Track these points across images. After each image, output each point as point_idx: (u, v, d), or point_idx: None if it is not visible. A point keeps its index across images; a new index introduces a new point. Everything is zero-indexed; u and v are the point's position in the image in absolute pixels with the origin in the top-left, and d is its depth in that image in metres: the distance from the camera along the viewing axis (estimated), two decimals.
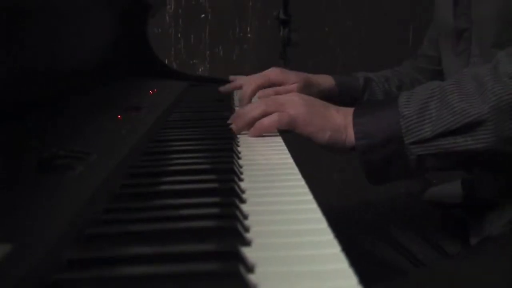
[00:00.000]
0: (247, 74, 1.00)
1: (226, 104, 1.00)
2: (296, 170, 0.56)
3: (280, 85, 0.94)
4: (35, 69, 0.71)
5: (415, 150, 0.65)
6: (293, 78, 0.95)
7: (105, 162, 0.51)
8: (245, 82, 0.96)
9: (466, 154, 0.64)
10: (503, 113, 0.62)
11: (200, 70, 2.01)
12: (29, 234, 0.34)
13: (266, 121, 0.71)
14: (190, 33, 2.00)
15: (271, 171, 0.56)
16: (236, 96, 1.06)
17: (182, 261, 0.33)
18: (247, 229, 0.39)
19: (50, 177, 0.45)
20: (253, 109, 0.73)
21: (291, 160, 0.60)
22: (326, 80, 1.00)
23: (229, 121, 0.75)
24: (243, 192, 0.48)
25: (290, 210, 0.43)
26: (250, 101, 0.94)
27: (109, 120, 0.73)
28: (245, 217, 0.42)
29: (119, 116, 0.75)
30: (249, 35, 2.01)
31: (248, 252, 0.34)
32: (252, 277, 0.32)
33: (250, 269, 0.33)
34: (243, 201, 0.46)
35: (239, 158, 0.61)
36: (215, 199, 0.45)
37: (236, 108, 0.92)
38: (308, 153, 0.94)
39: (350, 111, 0.71)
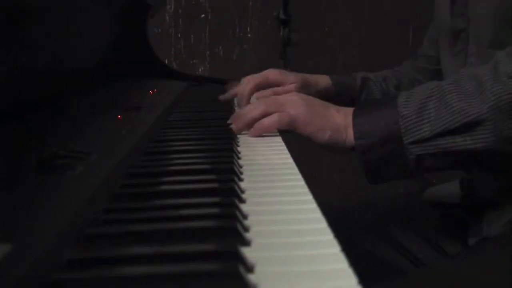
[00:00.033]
0: (247, 74, 0.99)
1: (226, 104, 1.00)
2: (296, 170, 0.56)
3: (278, 85, 0.95)
4: (35, 69, 0.71)
5: (414, 150, 0.65)
6: (291, 78, 0.96)
7: (105, 162, 0.51)
8: (243, 82, 0.96)
9: (465, 153, 0.64)
10: (502, 113, 0.62)
11: (200, 70, 2.01)
12: (29, 234, 0.34)
13: (266, 121, 0.72)
14: (190, 33, 2.00)
15: (271, 171, 0.56)
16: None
17: (182, 261, 0.33)
18: (246, 229, 0.39)
19: (50, 177, 0.45)
20: (253, 109, 0.73)
21: (291, 160, 0.60)
22: (323, 80, 1.01)
23: (229, 121, 0.75)
24: (243, 192, 0.48)
25: (290, 210, 0.43)
26: (248, 99, 0.94)
27: (109, 120, 0.73)
28: (245, 217, 0.42)
29: (119, 116, 0.75)
30: (249, 35, 2.01)
31: (247, 252, 0.34)
32: (252, 277, 0.32)
33: (250, 269, 0.33)
34: (243, 201, 0.46)
35: (239, 158, 0.61)
36: (215, 199, 0.45)
37: (236, 108, 0.92)
38: (308, 153, 0.94)
39: (350, 111, 0.71)
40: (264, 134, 0.72)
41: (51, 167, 0.47)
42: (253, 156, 0.62)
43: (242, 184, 0.50)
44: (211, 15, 1.99)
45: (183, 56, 2.00)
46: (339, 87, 1.01)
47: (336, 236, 0.37)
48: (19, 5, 0.63)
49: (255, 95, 0.94)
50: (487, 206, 0.80)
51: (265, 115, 0.72)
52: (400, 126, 0.66)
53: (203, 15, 1.99)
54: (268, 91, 0.93)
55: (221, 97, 1.01)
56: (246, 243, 0.37)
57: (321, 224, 0.40)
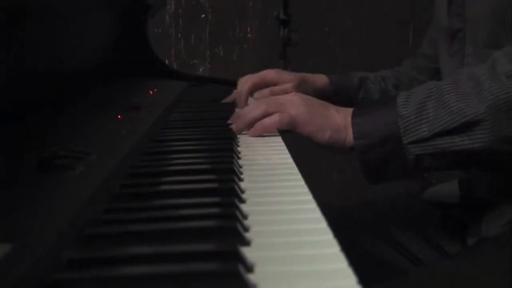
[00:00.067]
0: (247, 74, 1.00)
1: (226, 104, 1.00)
2: (296, 170, 0.56)
3: (275, 85, 0.95)
4: (35, 69, 0.71)
5: (413, 150, 0.65)
6: (288, 77, 0.96)
7: (105, 162, 0.51)
8: (241, 82, 0.97)
9: (463, 153, 0.64)
10: (500, 112, 0.62)
11: (200, 70, 2.01)
12: (29, 234, 0.34)
13: (267, 121, 0.72)
14: (190, 33, 2.00)
15: (271, 171, 0.56)
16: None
17: (181, 261, 0.34)
18: (246, 229, 0.39)
19: (50, 177, 0.46)
20: (254, 109, 0.74)
21: (291, 160, 0.60)
22: (321, 79, 1.01)
23: (229, 121, 0.75)
24: (243, 192, 0.48)
25: (289, 210, 0.43)
26: (246, 99, 0.94)
27: (109, 120, 0.73)
28: (245, 217, 0.42)
29: (119, 116, 0.75)
30: (249, 35, 2.01)
31: (247, 252, 0.35)
32: (252, 277, 0.32)
33: (250, 269, 0.33)
34: (243, 201, 0.46)
35: (239, 158, 0.61)
36: (215, 199, 0.45)
37: (236, 109, 0.92)
38: (308, 153, 0.94)
39: (349, 111, 0.71)
40: (264, 134, 0.72)
41: (51, 167, 0.47)
42: (253, 156, 0.62)
43: (242, 184, 0.50)
44: (211, 15, 1.99)
45: (183, 56, 2.00)
46: (337, 85, 1.01)
47: (336, 236, 0.37)
48: (19, 5, 0.63)
49: (254, 95, 0.94)
50: (486, 206, 0.80)
51: (265, 115, 0.72)
52: (399, 126, 0.66)
53: (203, 15, 1.99)
54: (266, 91, 0.93)
55: (223, 101, 1.02)
56: (246, 243, 0.37)
57: (321, 224, 0.40)
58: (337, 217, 0.90)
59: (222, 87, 1.14)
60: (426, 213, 0.95)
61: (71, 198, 0.42)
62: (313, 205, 0.44)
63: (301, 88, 0.94)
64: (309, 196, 0.47)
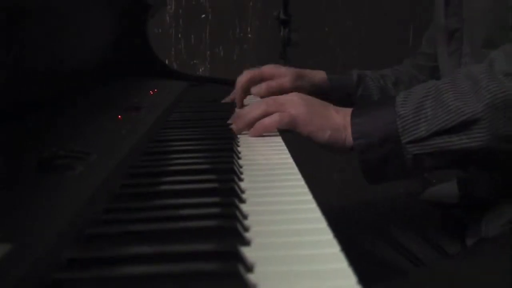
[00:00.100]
0: None
1: (226, 104, 1.00)
2: (296, 170, 0.56)
3: (272, 79, 0.95)
4: (35, 69, 0.71)
5: (411, 149, 0.66)
6: (285, 71, 0.96)
7: (105, 162, 0.51)
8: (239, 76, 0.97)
9: (461, 152, 0.64)
10: (497, 111, 0.62)
11: (200, 70, 2.01)
12: (29, 234, 0.34)
13: (267, 121, 0.72)
14: (191, 33, 2.00)
15: (271, 171, 0.56)
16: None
17: (181, 261, 0.34)
18: (246, 229, 0.39)
19: (50, 177, 0.46)
20: (254, 109, 0.74)
21: (291, 160, 0.60)
22: (319, 75, 1.01)
23: (229, 121, 0.75)
24: (243, 192, 0.48)
25: (289, 210, 0.43)
26: (241, 91, 0.94)
27: (109, 120, 0.73)
28: (245, 217, 0.42)
29: (119, 116, 0.75)
30: (249, 35, 2.01)
31: (247, 252, 0.35)
32: (252, 277, 0.32)
33: (250, 268, 0.33)
34: (243, 201, 0.46)
35: (239, 158, 0.61)
36: (215, 199, 0.45)
37: (236, 109, 0.92)
38: (308, 153, 0.94)
39: (349, 111, 0.71)
40: (264, 134, 0.72)
41: (51, 167, 0.47)
42: (253, 156, 0.62)
43: (242, 184, 0.50)
44: (212, 15, 1.99)
45: (183, 56, 2.00)
46: (335, 82, 1.01)
47: (336, 236, 0.37)
48: (19, 5, 0.63)
49: (251, 89, 0.94)
50: (485, 206, 0.80)
51: (265, 115, 0.72)
52: (398, 125, 0.66)
53: (203, 15, 1.99)
54: (263, 85, 0.93)
55: (223, 101, 1.02)
56: (246, 243, 0.37)
57: (321, 224, 0.40)
58: (337, 217, 0.90)
59: (222, 87, 1.14)
60: (426, 213, 0.95)
61: (71, 198, 0.42)
62: (313, 205, 0.44)
63: (298, 83, 0.94)
64: (309, 196, 0.47)
